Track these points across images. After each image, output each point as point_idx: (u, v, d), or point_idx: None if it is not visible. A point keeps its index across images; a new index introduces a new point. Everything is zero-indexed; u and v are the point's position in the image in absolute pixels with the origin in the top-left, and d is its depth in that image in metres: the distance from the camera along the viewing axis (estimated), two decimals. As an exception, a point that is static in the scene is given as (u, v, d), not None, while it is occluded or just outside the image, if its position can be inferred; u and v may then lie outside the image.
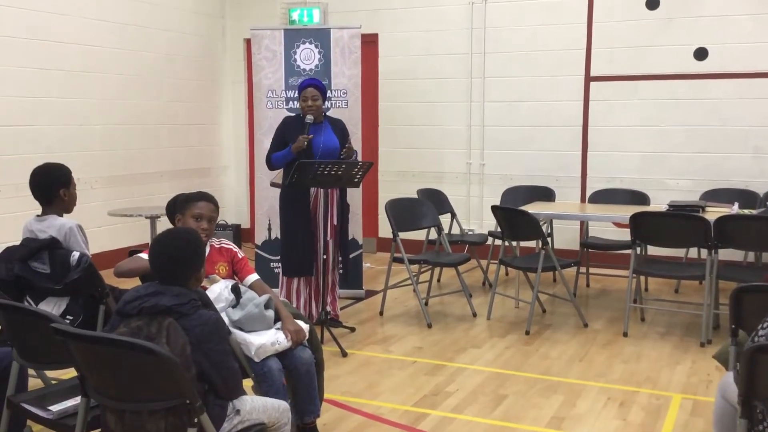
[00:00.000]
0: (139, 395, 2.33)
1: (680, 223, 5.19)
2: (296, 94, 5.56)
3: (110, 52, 7.11)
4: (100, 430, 2.51)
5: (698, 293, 6.21)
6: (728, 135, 6.80)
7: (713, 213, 5.24)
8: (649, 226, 5.23)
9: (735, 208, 5.43)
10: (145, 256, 3.21)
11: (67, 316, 3.50)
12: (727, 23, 6.71)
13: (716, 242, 4.97)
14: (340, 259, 5.37)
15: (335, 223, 5.22)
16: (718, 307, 5.27)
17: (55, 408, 2.73)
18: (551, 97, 7.38)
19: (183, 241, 2.60)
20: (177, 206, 3.33)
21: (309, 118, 5.03)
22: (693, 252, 6.38)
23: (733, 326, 3.01)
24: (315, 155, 5.05)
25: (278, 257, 5.69)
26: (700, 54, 6.80)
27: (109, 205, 6.71)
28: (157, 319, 2.39)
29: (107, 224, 6.68)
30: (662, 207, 5.61)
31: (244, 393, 2.63)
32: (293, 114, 5.34)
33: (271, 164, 5.23)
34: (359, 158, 5.60)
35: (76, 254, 3.48)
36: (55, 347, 2.62)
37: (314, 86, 5.12)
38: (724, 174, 6.78)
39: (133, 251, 3.42)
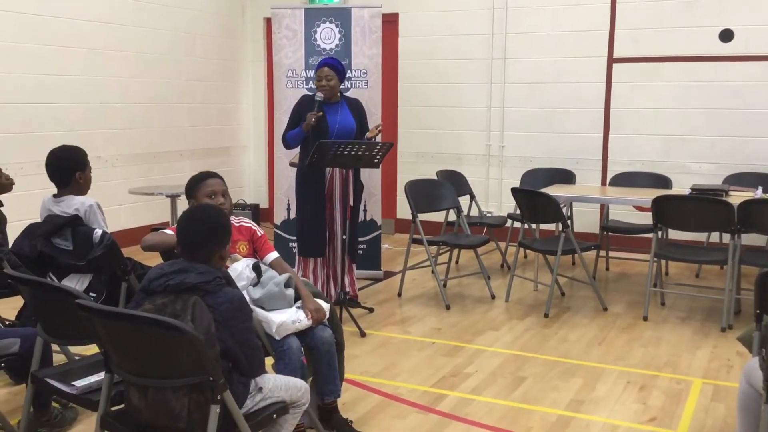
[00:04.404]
0: (163, 372, 2.34)
1: (703, 207, 5.13)
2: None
3: (130, 31, 7.11)
4: (123, 405, 2.53)
5: (719, 278, 6.17)
6: (752, 118, 6.71)
7: (736, 197, 5.18)
8: (671, 210, 5.18)
9: (759, 193, 5.36)
10: (169, 231, 3.22)
11: (90, 293, 3.53)
12: (752, 4, 6.59)
13: (739, 227, 4.92)
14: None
15: (351, 203, 5.22)
16: (739, 292, 5.22)
17: (79, 383, 2.76)
18: (573, 78, 7.30)
19: (210, 218, 2.61)
20: (187, 192, 3.31)
21: (319, 95, 5.01)
22: (714, 236, 6.33)
23: (758, 311, 2.97)
24: (330, 135, 5.03)
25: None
26: (726, 36, 6.70)
27: (129, 183, 6.75)
28: (182, 296, 2.40)
29: (128, 202, 6.72)
30: (684, 191, 5.55)
31: (266, 371, 2.64)
32: (311, 93, 5.32)
33: (286, 143, 5.23)
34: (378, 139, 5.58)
35: (98, 231, 3.50)
36: (79, 323, 2.64)
37: (330, 65, 5.09)
38: (748, 158, 6.69)
39: (155, 229, 3.44)
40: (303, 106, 5.14)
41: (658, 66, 6.99)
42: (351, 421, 3.43)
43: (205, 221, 2.59)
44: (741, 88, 6.72)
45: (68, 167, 3.64)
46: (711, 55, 6.78)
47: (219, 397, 2.31)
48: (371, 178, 6.02)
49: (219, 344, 2.38)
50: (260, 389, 2.57)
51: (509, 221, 6.70)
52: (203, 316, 2.36)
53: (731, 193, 5.44)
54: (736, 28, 6.66)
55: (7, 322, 4.23)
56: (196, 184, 3.28)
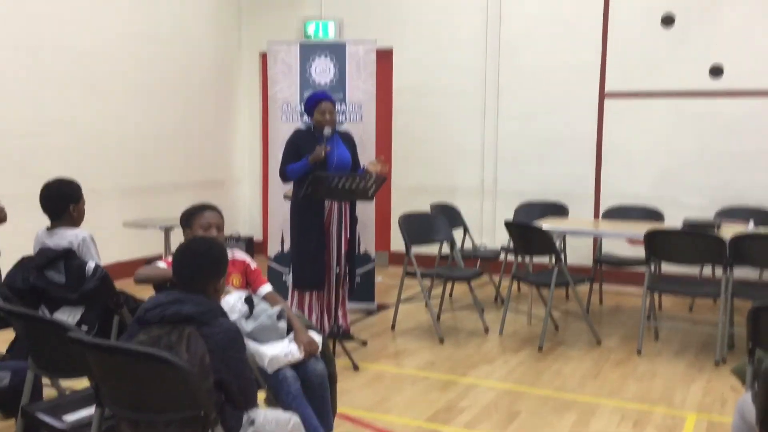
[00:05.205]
0: (155, 405, 2.33)
1: (695, 240, 5.16)
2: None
3: (125, 63, 7.16)
4: (114, 440, 2.51)
5: (712, 312, 6.17)
6: (743, 153, 6.77)
7: (728, 231, 5.21)
8: (663, 244, 5.20)
9: (751, 226, 5.39)
10: (162, 264, 3.23)
11: (82, 326, 3.51)
12: (742, 40, 6.70)
13: (731, 260, 4.94)
14: (348, 272, 5.37)
15: (348, 236, 5.23)
16: (733, 325, 5.22)
17: (69, 418, 2.74)
18: (565, 112, 7.38)
19: (207, 249, 2.63)
20: (182, 221, 3.33)
21: (327, 130, 5.05)
22: (707, 270, 6.34)
23: (751, 345, 2.97)
24: (329, 168, 5.06)
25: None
26: (715, 71, 6.78)
27: (123, 215, 6.74)
28: (177, 327, 2.40)
29: (121, 234, 6.71)
30: (677, 224, 5.58)
31: (257, 405, 2.63)
32: (303, 127, 5.36)
33: (286, 176, 5.24)
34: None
35: (91, 264, 3.50)
36: (71, 356, 2.62)
37: (330, 100, 5.16)
38: (739, 192, 6.74)
39: (148, 262, 3.44)
40: (302, 139, 5.17)
41: (649, 101, 7.07)
42: None
43: (203, 253, 2.61)
44: (732, 123, 6.79)
45: (62, 200, 3.66)
46: (701, 91, 6.87)
47: (210, 432, 2.29)
48: (365, 210, 6.04)
49: (213, 375, 2.38)
50: (252, 422, 2.55)
51: (503, 254, 6.71)
52: (198, 347, 2.36)
53: (723, 226, 5.47)
54: (726, 64, 6.75)
55: (-3, 355, 4.19)
56: (193, 215, 3.30)
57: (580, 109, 7.32)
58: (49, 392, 3.32)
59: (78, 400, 2.88)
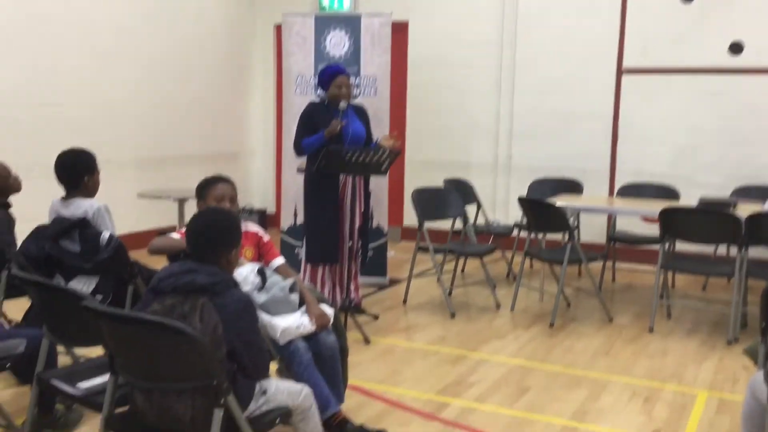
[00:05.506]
0: (168, 375, 2.35)
1: (711, 219, 5.12)
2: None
3: (140, 35, 7.16)
4: (127, 407, 2.54)
5: (726, 291, 6.14)
6: (762, 131, 6.69)
7: (745, 209, 5.16)
8: (678, 222, 5.17)
9: (767, 206, 5.34)
10: (176, 235, 3.25)
11: (97, 295, 3.54)
12: (763, 17, 6.59)
13: (747, 239, 4.90)
14: (361, 246, 5.38)
15: (361, 210, 5.23)
16: (746, 305, 5.20)
17: (84, 385, 2.77)
18: (581, 88, 7.31)
19: (220, 220, 2.64)
20: (197, 192, 3.34)
21: (343, 104, 5.03)
22: (721, 249, 6.30)
23: (764, 324, 2.96)
24: (344, 142, 5.05)
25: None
26: (735, 48, 6.68)
27: (138, 186, 6.77)
28: (191, 297, 2.42)
29: (136, 205, 6.74)
30: (692, 203, 5.54)
31: (269, 375, 2.65)
32: (318, 100, 5.33)
33: (301, 149, 5.21)
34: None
35: (106, 234, 3.52)
36: (85, 325, 2.65)
37: (345, 74, 5.13)
38: (757, 170, 6.67)
39: (162, 233, 3.46)
40: (315, 113, 5.14)
41: (667, 77, 6.99)
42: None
43: (215, 223, 2.62)
44: (750, 101, 6.71)
45: (76, 170, 3.67)
46: (721, 68, 6.77)
47: (222, 401, 2.31)
48: (378, 185, 6.03)
49: (225, 345, 2.40)
50: (264, 392, 2.58)
51: (516, 230, 6.70)
52: (211, 317, 2.38)
53: (739, 205, 5.42)
54: (746, 40, 6.64)
55: (13, 323, 4.24)
56: (207, 186, 3.31)
57: (597, 85, 7.25)
58: (63, 360, 3.35)
59: (92, 368, 2.91)
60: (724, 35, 6.72)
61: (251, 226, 3.47)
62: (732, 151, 6.81)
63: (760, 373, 2.77)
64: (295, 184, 6.20)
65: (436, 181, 6.87)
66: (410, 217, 7.30)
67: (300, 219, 6.21)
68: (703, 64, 6.84)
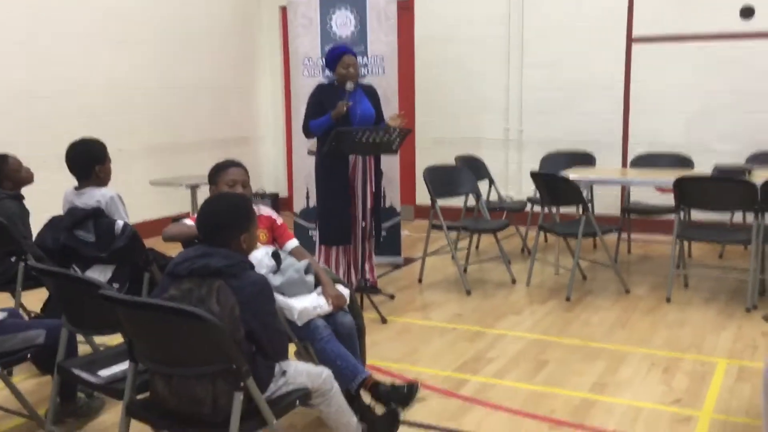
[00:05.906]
0: (187, 360, 2.36)
1: (726, 187, 5.07)
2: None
3: (146, 22, 7.15)
4: (148, 393, 2.56)
5: (743, 258, 6.10)
6: (776, 96, 6.61)
7: (760, 176, 5.11)
8: (693, 191, 5.12)
9: (783, 171, 5.29)
10: (189, 221, 3.25)
11: (113, 284, 3.57)
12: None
13: (763, 206, 4.86)
14: (374, 226, 5.37)
15: (373, 190, 5.22)
16: (764, 272, 5.16)
17: (104, 373, 2.79)
18: (591, 59, 7.23)
19: (230, 203, 2.65)
20: (209, 177, 3.34)
21: (350, 85, 4.99)
22: (737, 217, 6.25)
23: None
24: (353, 123, 5.03)
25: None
26: (746, 13, 6.58)
27: (150, 174, 6.79)
28: (207, 280, 2.43)
29: (148, 193, 6.76)
30: (707, 171, 5.48)
31: (288, 357, 2.66)
32: (326, 82, 5.30)
33: (309, 131, 5.20)
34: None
35: (120, 223, 3.54)
36: (103, 313, 2.67)
37: (352, 53, 5.10)
38: (771, 136, 6.59)
39: (175, 219, 3.46)
40: (323, 94, 5.12)
41: (678, 45, 6.90)
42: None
43: (225, 206, 2.62)
44: (764, 66, 6.61)
45: (87, 160, 3.69)
46: (732, 33, 6.68)
47: (242, 384, 2.32)
48: (389, 164, 6.01)
49: (243, 327, 2.41)
50: (284, 373, 2.59)
51: (529, 205, 6.67)
52: (228, 299, 2.39)
53: (754, 171, 5.36)
54: (758, 3, 6.53)
55: (32, 314, 4.28)
56: (218, 172, 3.31)
57: (607, 55, 7.17)
58: (83, 349, 3.38)
59: (112, 356, 2.94)
60: (736, 0, 6.61)
61: (264, 210, 3.47)
62: (746, 118, 6.73)
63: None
64: (306, 167, 6.19)
65: (448, 158, 6.83)
66: (423, 196, 7.28)
67: (312, 201, 6.21)
68: (714, 29, 6.74)
